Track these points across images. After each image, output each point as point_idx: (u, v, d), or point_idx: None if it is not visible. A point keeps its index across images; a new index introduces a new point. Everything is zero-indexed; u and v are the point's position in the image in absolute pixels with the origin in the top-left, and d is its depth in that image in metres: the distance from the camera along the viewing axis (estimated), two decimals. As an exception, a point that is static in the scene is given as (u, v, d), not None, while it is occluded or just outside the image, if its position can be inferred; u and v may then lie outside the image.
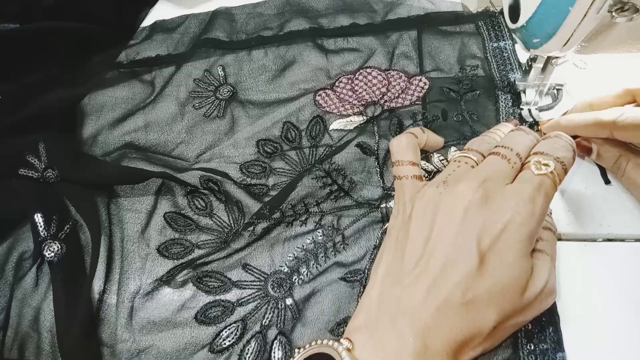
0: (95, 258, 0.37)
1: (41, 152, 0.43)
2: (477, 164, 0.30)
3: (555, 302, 0.30)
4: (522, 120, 0.40)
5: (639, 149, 0.34)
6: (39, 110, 0.47)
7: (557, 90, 0.41)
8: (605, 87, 0.35)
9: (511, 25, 0.34)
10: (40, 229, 0.38)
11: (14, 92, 0.49)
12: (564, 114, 0.37)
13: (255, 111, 0.45)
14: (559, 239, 0.33)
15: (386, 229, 0.33)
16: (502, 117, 0.41)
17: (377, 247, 0.35)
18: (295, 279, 0.35)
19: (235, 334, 0.33)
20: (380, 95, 0.44)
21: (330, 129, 0.42)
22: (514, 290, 0.25)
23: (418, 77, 0.45)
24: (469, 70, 0.45)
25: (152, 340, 0.34)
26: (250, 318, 0.34)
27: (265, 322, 0.33)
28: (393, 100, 0.43)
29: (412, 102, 0.43)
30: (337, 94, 0.45)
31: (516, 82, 0.41)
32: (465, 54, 0.46)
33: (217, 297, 0.35)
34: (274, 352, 0.32)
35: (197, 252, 0.37)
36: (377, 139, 0.41)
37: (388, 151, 0.40)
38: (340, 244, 0.36)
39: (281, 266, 0.35)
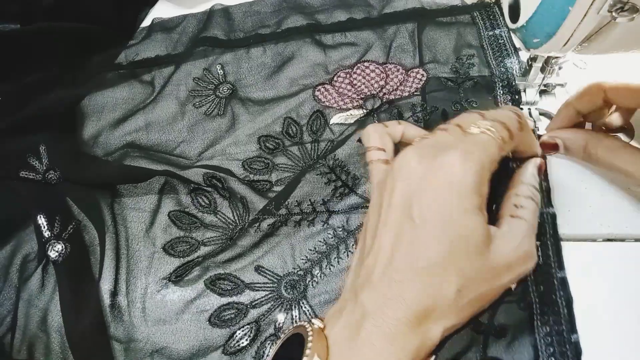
0: (102, 257, 0.37)
1: (42, 154, 0.43)
2: None
3: (568, 284, 0.31)
4: None
5: (604, 131, 0.34)
6: (39, 111, 0.47)
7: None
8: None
9: (511, 25, 0.34)
10: (44, 229, 0.39)
11: (14, 92, 0.49)
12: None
13: (255, 108, 0.46)
14: (560, 239, 0.33)
15: None
16: (501, 105, 0.41)
17: None
18: (308, 281, 0.35)
19: (249, 336, 0.33)
20: (379, 88, 0.44)
21: (330, 123, 0.43)
22: (467, 249, 0.25)
23: (415, 69, 0.45)
24: (465, 60, 0.45)
25: (165, 342, 0.34)
26: (263, 320, 0.34)
27: (279, 324, 0.33)
28: (392, 93, 0.44)
29: (410, 94, 0.43)
30: (336, 88, 0.45)
31: (516, 82, 0.41)
32: (462, 43, 0.46)
33: (231, 300, 0.35)
34: None
35: (203, 250, 0.37)
36: None
37: None
38: (353, 245, 0.36)
39: (294, 268, 0.36)
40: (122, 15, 0.55)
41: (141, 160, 0.42)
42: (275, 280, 0.35)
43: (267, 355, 0.32)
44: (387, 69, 0.45)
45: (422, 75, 0.44)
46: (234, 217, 0.38)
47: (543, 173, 0.32)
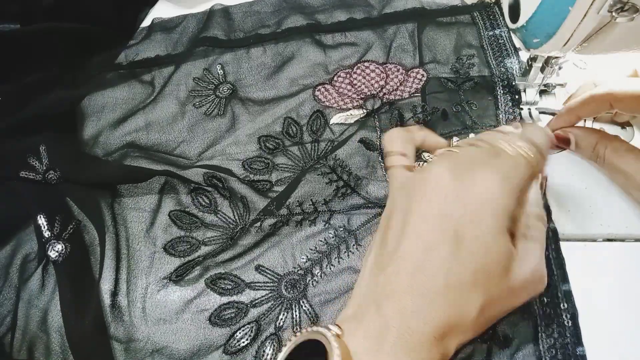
0: (102, 257, 0.37)
1: (42, 154, 0.43)
2: None
3: (573, 297, 0.31)
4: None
5: (615, 135, 0.35)
6: (39, 111, 0.47)
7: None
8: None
9: (511, 25, 0.34)
10: (44, 229, 0.39)
11: (14, 92, 0.49)
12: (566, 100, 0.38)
13: (255, 108, 0.46)
14: (560, 239, 0.33)
15: None
16: (501, 105, 0.41)
17: None
18: (309, 280, 0.35)
19: (250, 335, 0.33)
20: (379, 89, 0.44)
21: (330, 123, 0.43)
22: (495, 270, 0.25)
23: (415, 70, 0.45)
24: (465, 60, 0.45)
25: (165, 341, 0.34)
26: (264, 319, 0.34)
27: (279, 323, 0.34)
28: (392, 93, 0.44)
29: (410, 94, 0.43)
30: (336, 88, 0.45)
31: (516, 82, 0.41)
32: (462, 44, 0.46)
33: (231, 299, 0.35)
34: None
35: (204, 249, 0.37)
36: (378, 133, 0.41)
37: None
38: (354, 245, 0.36)
39: (294, 267, 0.36)
40: (122, 15, 0.55)
41: (141, 160, 0.42)
42: (275, 279, 0.35)
43: (275, 358, 0.32)
44: (387, 69, 0.46)
45: (422, 75, 0.44)
46: (235, 217, 0.38)
47: (544, 190, 0.33)
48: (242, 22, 0.53)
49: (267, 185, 0.40)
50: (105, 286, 0.36)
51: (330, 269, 0.35)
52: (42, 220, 0.39)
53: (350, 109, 0.43)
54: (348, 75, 0.46)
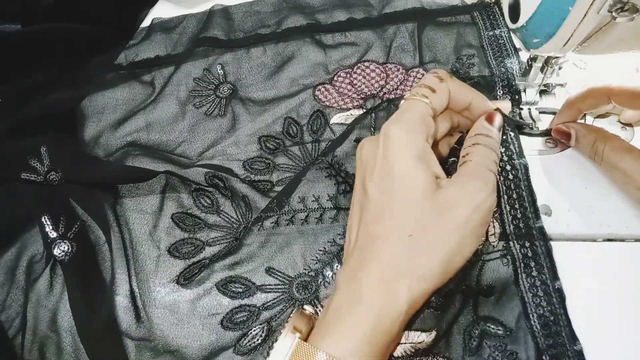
0: (112, 257, 0.37)
1: (43, 155, 0.43)
2: None
3: (548, 237, 0.33)
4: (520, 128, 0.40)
5: (615, 135, 0.35)
6: (39, 111, 0.47)
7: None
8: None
9: (511, 25, 0.34)
10: (49, 230, 0.39)
11: (14, 93, 0.49)
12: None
13: (255, 108, 0.46)
14: (560, 239, 0.33)
15: None
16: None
17: None
18: (320, 282, 0.35)
19: (261, 335, 0.33)
20: (379, 88, 0.44)
21: (331, 123, 0.43)
22: (410, 195, 0.28)
23: (416, 69, 0.45)
24: (465, 60, 0.45)
25: (177, 344, 0.34)
26: (275, 320, 0.34)
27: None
28: (392, 93, 0.44)
29: (411, 94, 0.43)
30: (336, 88, 0.45)
31: (516, 82, 0.41)
32: (462, 43, 0.46)
33: (243, 302, 0.35)
34: None
35: (209, 250, 0.37)
36: (372, 132, 0.41)
37: None
38: None
39: (305, 269, 0.36)
40: (122, 15, 0.55)
41: (142, 158, 0.42)
42: (286, 281, 0.35)
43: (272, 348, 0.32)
44: (387, 68, 0.46)
45: (423, 75, 0.44)
46: (237, 216, 0.38)
47: (498, 123, 0.32)
48: (242, 22, 0.53)
49: (268, 186, 0.40)
50: (115, 286, 0.36)
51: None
52: (46, 221, 0.39)
53: (350, 108, 0.43)
54: (348, 75, 0.46)
